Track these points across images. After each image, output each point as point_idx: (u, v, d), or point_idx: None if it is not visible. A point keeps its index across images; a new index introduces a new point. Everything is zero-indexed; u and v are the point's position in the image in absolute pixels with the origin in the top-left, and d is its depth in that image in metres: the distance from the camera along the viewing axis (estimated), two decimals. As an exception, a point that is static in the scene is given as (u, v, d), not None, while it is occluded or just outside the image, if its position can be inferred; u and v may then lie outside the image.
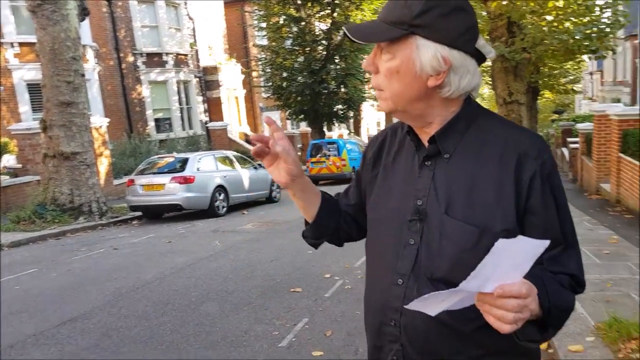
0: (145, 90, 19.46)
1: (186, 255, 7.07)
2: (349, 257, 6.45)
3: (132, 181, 10.91)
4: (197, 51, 22.18)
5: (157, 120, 19.95)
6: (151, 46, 19.67)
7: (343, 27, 1.05)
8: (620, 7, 11.90)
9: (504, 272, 0.81)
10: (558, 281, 0.99)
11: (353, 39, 1.02)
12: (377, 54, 1.05)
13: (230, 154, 12.86)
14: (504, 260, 0.80)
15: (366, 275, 1.24)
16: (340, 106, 23.16)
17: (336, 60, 22.10)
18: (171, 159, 11.50)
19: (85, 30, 14.99)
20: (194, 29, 21.95)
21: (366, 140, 33.45)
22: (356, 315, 4.37)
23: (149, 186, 10.63)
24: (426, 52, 0.99)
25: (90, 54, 16.87)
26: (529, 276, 0.84)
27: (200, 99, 22.03)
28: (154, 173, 11.04)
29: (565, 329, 3.49)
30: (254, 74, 25.68)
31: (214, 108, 23.39)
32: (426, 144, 1.10)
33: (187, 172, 10.65)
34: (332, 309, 4.57)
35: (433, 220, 1.05)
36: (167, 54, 19.96)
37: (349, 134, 32.08)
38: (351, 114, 24.70)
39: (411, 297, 1.00)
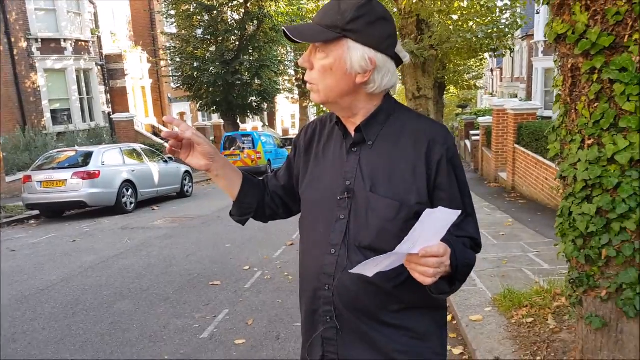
0: (40, 79, 17.90)
1: (94, 254, 6.72)
2: (268, 248, 6.51)
3: (28, 177, 10.07)
4: (99, 38, 20.82)
5: (54, 112, 18.41)
6: (47, 31, 18.09)
7: (283, 27, 1.17)
8: (518, 10, 12.96)
9: (427, 237, 1.00)
10: (462, 243, 1.20)
11: (293, 38, 1.15)
12: (312, 52, 1.20)
13: (138, 147, 12.29)
14: (428, 227, 0.98)
15: (300, 249, 1.39)
16: (254, 98, 22.91)
17: (250, 51, 21.82)
18: (72, 153, 10.74)
19: (-32, 12, 13.51)
20: (95, 14, 20.57)
21: (281, 133, 33.55)
22: (277, 303, 4.46)
23: (48, 182, 9.89)
24: (355, 53, 1.16)
25: (-26, 38, 15.28)
26: (442, 240, 1.03)
27: (102, 88, 20.70)
28: (54, 168, 10.26)
29: (466, 302, 3.85)
30: (162, 63, 24.65)
31: (118, 99, 22.15)
32: (352, 133, 1.27)
33: (91, 167, 10.05)
34: (252, 299, 4.61)
35: (360, 197, 1.23)
36: (65, 40, 18.48)
37: (263, 126, 31.97)
38: (265, 106, 24.55)
39: (343, 264, 1.22)
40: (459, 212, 1.00)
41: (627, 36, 1.87)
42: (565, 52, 2.11)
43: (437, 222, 0.99)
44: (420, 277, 1.03)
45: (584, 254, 2.14)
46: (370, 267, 1.03)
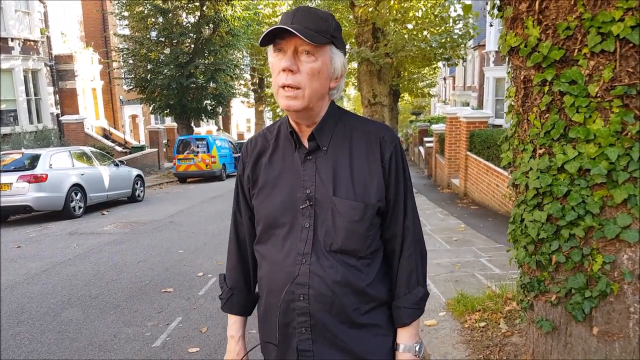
0: (-16, 79, 17.02)
1: (40, 260, 6.40)
2: (222, 254, 6.39)
3: (-31, 180, 9.51)
4: (49, 38, 19.98)
5: (-1, 113, 17.55)
6: (-7, 30, 17.26)
7: (286, 26, 1.15)
8: (471, 20, 13.37)
9: None
10: (408, 302, 1.34)
11: (305, 38, 1.14)
12: (294, 56, 1.20)
13: (88, 150, 11.84)
14: None
15: (260, 265, 1.37)
16: (209, 101, 22.58)
17: (206, 55, 21.51)
18: (18, 156, 10.24)
19: None
20: (45, 13, 19.73)
21: (236, 137, 33.21)
22: (232, 310, 4.38)
23: (-10, 185, 9.37)
24: (338, 59, 1.25)
25: None
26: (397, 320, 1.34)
27: (51, 89, 19.87)
28: (-2, 171, 9.75)
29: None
30: (115, 64, 23.92)
31: (67, 100, 21.31)
32: (305, 141, 1.30)
33: (38, 170, 9.61)
34: (206, 306, 4.51)
35: (324, 202, 1.26)
36: (13, 39, 17.63)
37: (218, 130, 31.52)
38: (220, 110, 24.23)
39: (316, 271, 1.23)
40: None
41: (576, 50, 1.95)
42: (518, 64, 2.19)
43: None
44: None
45: (535, 260, 2.21)
46: None
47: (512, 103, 2.34)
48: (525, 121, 2.21)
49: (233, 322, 1.50)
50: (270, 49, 1.24)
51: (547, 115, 2.07)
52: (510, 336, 3.18)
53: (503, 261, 5.06)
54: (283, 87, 1.20)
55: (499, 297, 3.78)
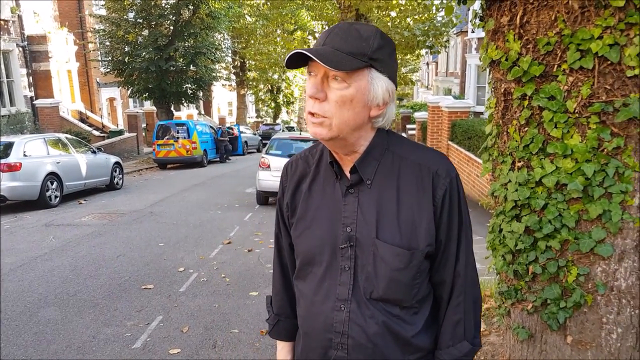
0: (-48, 60, 16.45)
1: (15, 255, 6.27)
2: (204, 247, 6.37)
3: (-62, 169, 9.25)
4: (20, 17, 19.32)
5: (-32, 96, 17.04)
6: (-41, 7, 16.63)
7: (303, 51, 1.03)
8: (454, 9, 13.33)
9: None
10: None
11: (319, 61, 1.01)
12: (324, 81, 1.06)
13: (64, 136, 11.56)
14: None
15: (300, 303, 1.27)
16: (189, 85, 22.20)
17: (185, 37, 21.07)
18: (-10, 143, 9.99)
19: None
20: (15, -9, 19.06)
21: (217, 121, 32.80)
22: (213, 308, 4.38)
23: (-38, 174, 9.13)
24: (380, 84, 1.08)
25: None
26: None
27: (24, 71, 19.28)
28: (-32, 159, 9.49)
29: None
30: (91, 46, 23.31)
31: (42, 83, 20.73)
32: (347, 171, 1.17)
33: (11, 159, 9.35)
34: (187, 303, 4.50)
35: (365, 245, 1.13)
36: (-20, 18, 17.06)
37: (199, 114, 31.11)
38: (201, 94, 23.87)
39: (356, 320, 1.13)
40: None
41: (556, 66, 1.96)
42: (498, 77, 2.19)
43: None
44: None
45: (512, 269, 2.25)
46: None
47: (493, 114, 2.35)
48: (505, 133, 2.23)
49: (282, 347, 1.41)
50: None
51: (526, 128, 2.09)
52: (488, 335, 3.24)
53: (483, 254, 5.12)
54: (310, 114, 1.09)
55: (477, 295, 3.83)
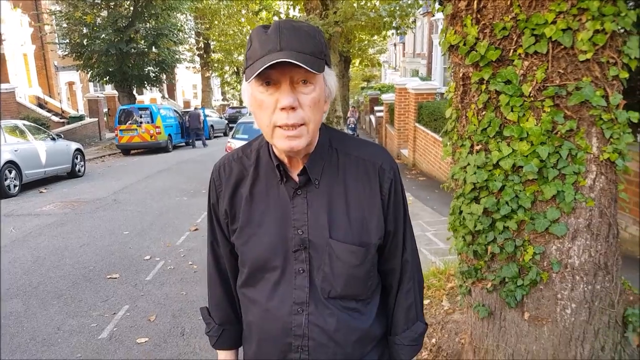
0: None
1: (-28, 247, 6.07)
2: (170, 235, 6.30)
3: None
4: (-32, -3, 18.38)
5: None
6: None
7: (288, 59, 0.95)
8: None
9: None
10: (406, 339, 1.26)
11: (311, 69, 0.97)
12: (291, 88, 1.01)
13: (21, 123, 11.14)
14: None
15: (253, 313, 1.22)
16: (151, 68, 21.64)
17: (146, 18, 20.44)
18: (-58, 132, 9.55)
19: None
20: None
21: (182, 105, 32.15)
22: (181, 296, 4.35)
23: None
24: (332, 78, 1.08)
25: None
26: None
27: (-25, 55, 18.45)
28: None
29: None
30: (47, 28, 22.36)
31: (-5, 67, 19.89)
32: (294, 174, 1.14)
33: (-35, 147, 9.00)
34: (154, 292, 4.45)
35: (319, 245, 1.12)
36: None
37: (162, 98, 30.40)
38: (164, 77, 23.30)
39: (315, 321, 1.13)
40: None
41: (512, 50, 2.00)
42: (457, 61, 2.22)
43: None
44: None
45: (472, 250, 2.31)
46: None
47: (452, 98, 2.38)
48: (463, 117, 2.26)
49: (225, 355, 1.37)
50: (252, 81, 1.01)
51: (483, 112, 2.12)
52: (452, 313, 3.34)
53: (447, 234, 5.25)
54: (282, 126, 1.01)
55: (442, 274, 3.94)
